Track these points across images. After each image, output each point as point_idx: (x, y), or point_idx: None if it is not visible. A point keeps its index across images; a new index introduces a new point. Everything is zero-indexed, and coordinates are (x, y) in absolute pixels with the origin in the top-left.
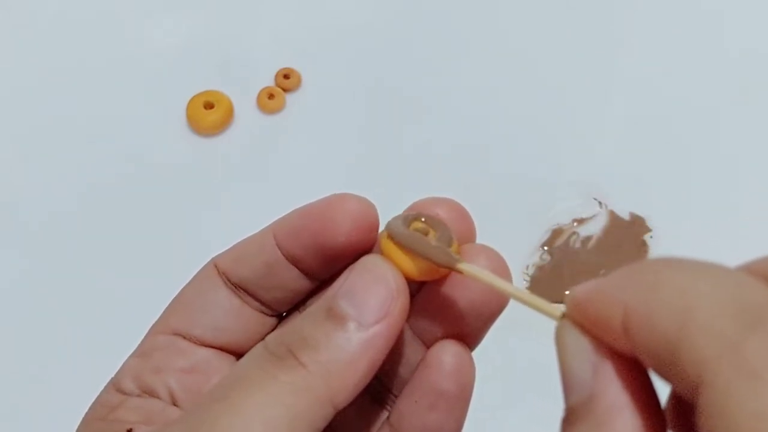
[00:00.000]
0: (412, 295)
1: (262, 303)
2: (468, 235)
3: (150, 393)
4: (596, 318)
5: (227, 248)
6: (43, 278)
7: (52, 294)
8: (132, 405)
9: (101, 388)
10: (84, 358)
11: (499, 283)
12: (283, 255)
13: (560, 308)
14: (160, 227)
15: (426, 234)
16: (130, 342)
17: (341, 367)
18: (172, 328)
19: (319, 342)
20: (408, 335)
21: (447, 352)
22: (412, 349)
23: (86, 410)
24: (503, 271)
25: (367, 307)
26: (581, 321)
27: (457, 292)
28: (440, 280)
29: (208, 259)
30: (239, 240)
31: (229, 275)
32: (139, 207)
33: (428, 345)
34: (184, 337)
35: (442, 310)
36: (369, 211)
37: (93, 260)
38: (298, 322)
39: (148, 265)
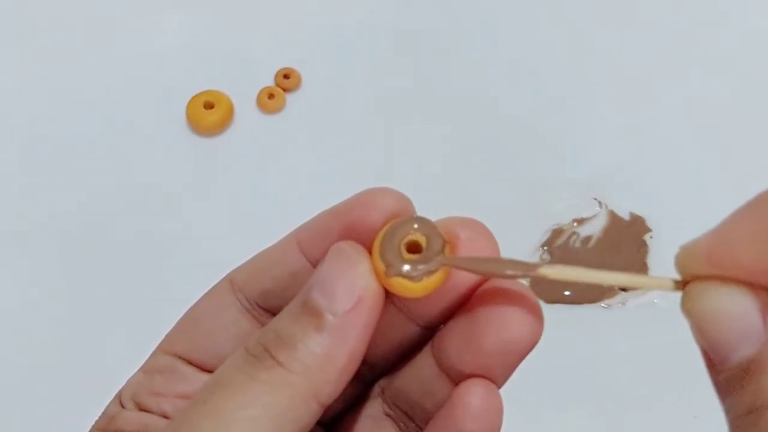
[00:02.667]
0: (437, 325)
1: None
2: (484, 242)
3: (146, 411)
4: (741, 262)
5: (245, 261)
6: (44, 279)
7: (56, 297)
8: (129, 416)
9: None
10: (89, 366)
11: (594, 275)
12: (310, 262)
13: (668, 279)
14: (159, 227)
15: (421, 248)
16: (134, 349)
17: (319, 361)
18: (175, 349)
19: (295, 338)
20: (434, 370)
21: (474, 393)
22: (438, 384)
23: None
24: (491, 245)
25: (337, 296)
26: (718, 273)
27: (485, 328)
28: (466, 309)
29: (206, 259)
30: (257, 252)
31: (247, 290)
32: (139, 207)
33: (455, 381)
34: (188, 361)
35: (470, 346)
36: (406, 207)
37: (92, 260)
38: (276, 319)
39: (147, 265)
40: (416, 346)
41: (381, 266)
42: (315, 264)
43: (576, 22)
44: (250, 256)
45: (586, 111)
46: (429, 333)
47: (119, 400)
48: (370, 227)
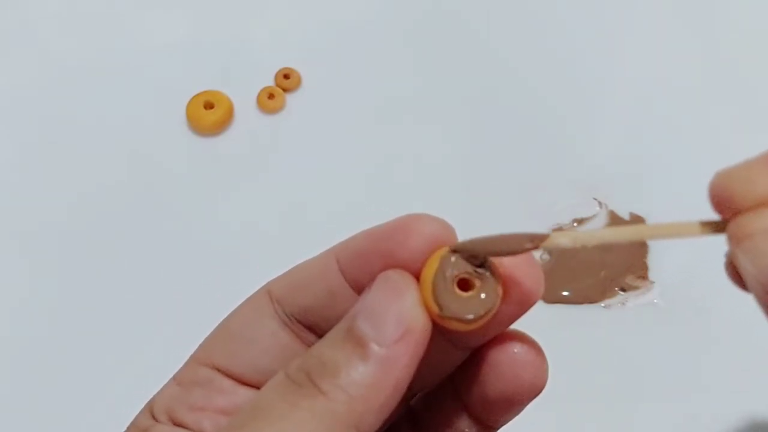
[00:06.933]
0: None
1: (320, 336)
2: (534, 278)
3: (182, 427)
4: None
5: (283, 272)
6: (44, 279)
7: (55, 298)
8: (162, 430)
9: (92, 405)
10: (89, 368)
11: (623, 232)
12: (347, 282)
13: (694, 223)
14: (159, 227)
15: (471, 286)
16: (133, 350)
17: (363, 391)
18: (213, 360)
19: (339, 366)
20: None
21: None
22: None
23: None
24: (535, 270)
25: (385, 325)
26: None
27: (490, 378)
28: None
29: (206, 259)
30: (295, 264)
31: (285, 304)
32: (139, 207)
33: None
34: (225, 373)
35: (476, 390)
36: (447, 234)
37: (92, 260)
38: (318, 346)
39: (146, 266)
40: (455, 366)
41: (434, 307)
42: (353, 285)
43: (575, 22)
44: (249, 256)
45: (586, 111)
46: (468, 353)
47: (151, 412)
48: (411, 254)
